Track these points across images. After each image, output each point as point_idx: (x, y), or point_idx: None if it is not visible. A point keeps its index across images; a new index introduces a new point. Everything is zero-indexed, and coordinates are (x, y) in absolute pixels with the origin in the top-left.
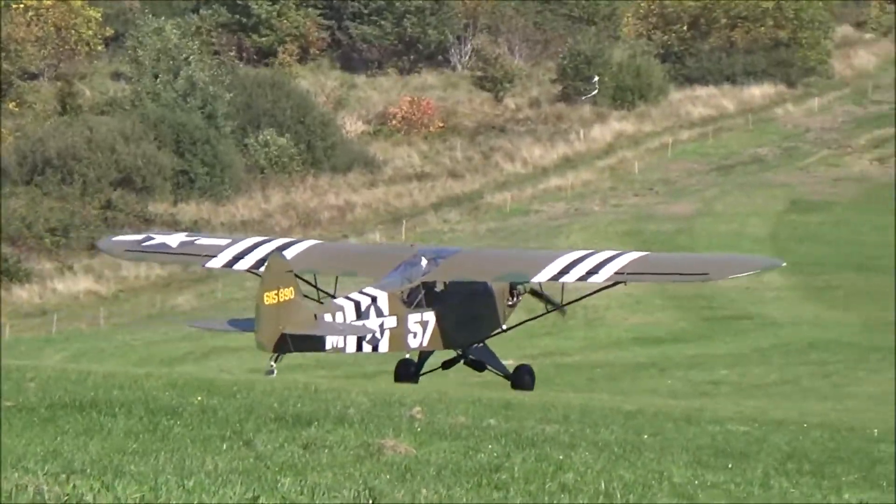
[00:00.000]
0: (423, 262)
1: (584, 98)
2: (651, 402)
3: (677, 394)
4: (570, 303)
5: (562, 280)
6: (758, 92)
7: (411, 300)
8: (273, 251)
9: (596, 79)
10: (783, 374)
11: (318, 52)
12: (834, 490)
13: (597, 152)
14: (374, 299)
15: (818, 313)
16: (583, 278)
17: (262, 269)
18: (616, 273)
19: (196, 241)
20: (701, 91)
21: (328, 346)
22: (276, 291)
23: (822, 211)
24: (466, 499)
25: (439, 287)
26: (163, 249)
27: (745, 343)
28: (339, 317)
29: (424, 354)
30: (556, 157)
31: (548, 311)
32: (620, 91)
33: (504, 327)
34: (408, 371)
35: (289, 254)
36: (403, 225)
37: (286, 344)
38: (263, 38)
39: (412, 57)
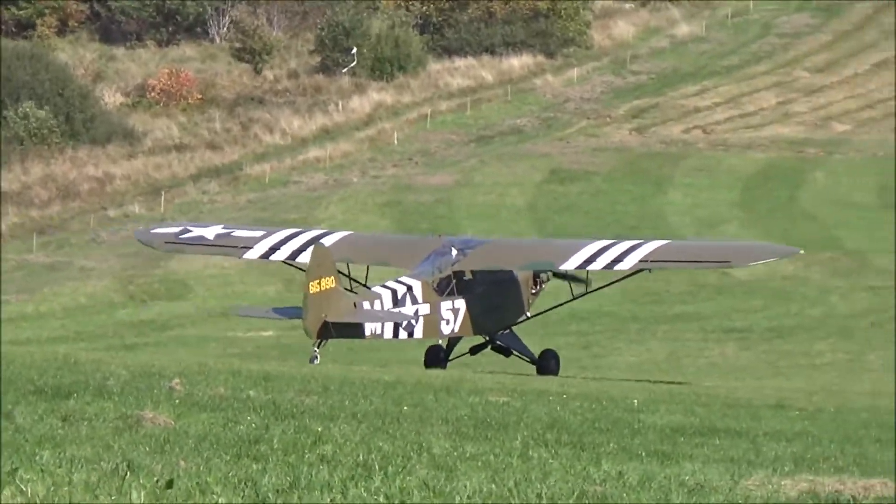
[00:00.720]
0: (454, 252)
1: (342, 69)
2: (411, 372)
3: None
4: (595, 290)
5: (588, 268)
6: (517, 63)
7: (442, 289)
8: (316, 240)
9: (354, 50)
10: (543, 345)
11: (76, 24)
12: (593, 460)
13: (356, 123)
14: (409, 288)
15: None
16: (609, 266)
17: (299, 259)
18: (641, 261)
19: (232, 233)
20: (460, 62)
21: (367, 332)
22: (318, 281)
23: (582, 181)
24: (225, 470)
25: (467, 276)
26: (200, 241)
27: None
28: (376, 304)
29: (453, 341)
30: (315, 129)
31: (574, 298)
32: (379, 62)
33: (529, 314)
34: (437, 357)
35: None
36: (163, 196)
37: (328, 331)
38: (22, 11)
39: (171, 29)
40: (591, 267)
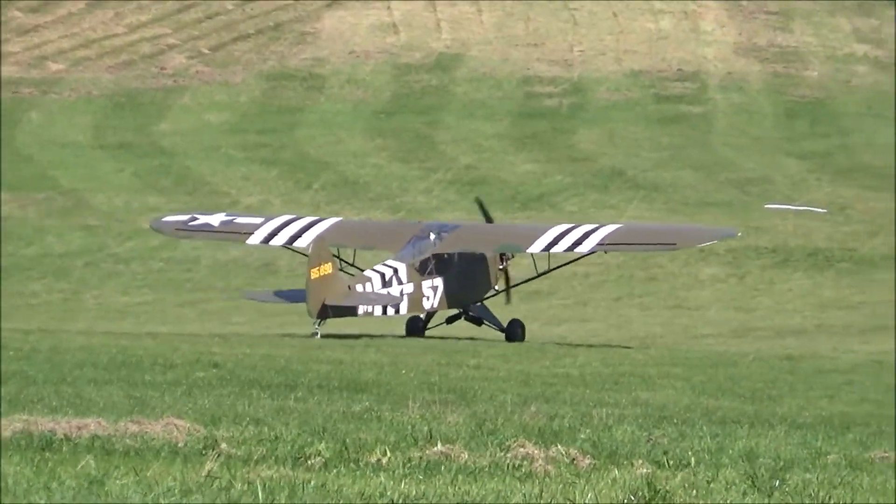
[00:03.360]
0: (432, 236)
1: None
2: None
3: None
4: (554, 269)
5: (552, 251)
6: None
7: (423, 269)
8: (311, 226)
9: None
10: None
11: None
12: None
13: None
14: (395, 270)
15: None
16: (570, 249)
17: (296, 244)
18: (598, 244)
19: (235, 220)
20: None
21: (360, 311)
22: (318, 268)
23: None
24: None
25: (444, 257)
26: (207, 228)
27: None
28: (368, 287)
29: (431, 313)
30: None
31: (538, 275)
32: None
33: (496, 288)
34: (417, 326)
35: (317, 230)
36: None
37: (327, 312)
38: None
39: None
40: (554, 249)
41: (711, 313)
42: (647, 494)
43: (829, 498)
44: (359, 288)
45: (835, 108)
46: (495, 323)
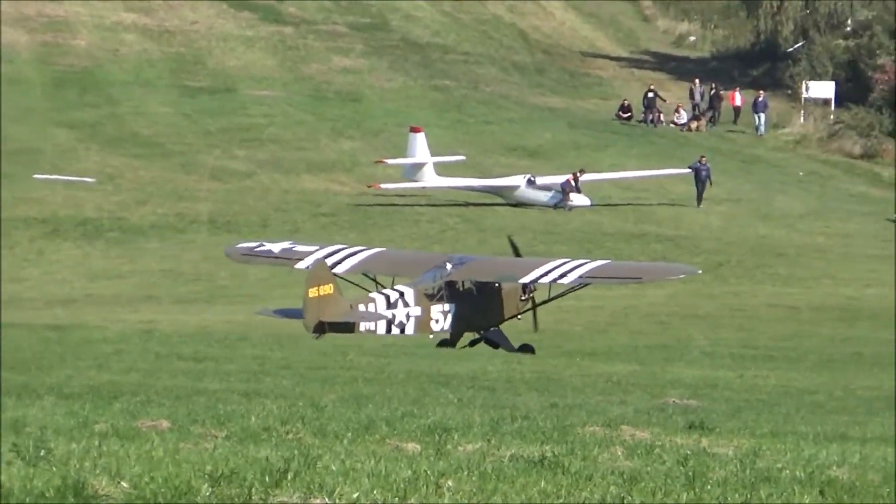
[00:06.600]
0: (449, 266)
1: None
2: None
3: None
4: (544, 302)
5: (540, 281)
6: None
7: (434, 295)
8: (317, 258)
9: None
10: None
11: None
12: None
13: None
14: (401, 294)
15: None
16: (555, 280)
17: (336, 270)
18: (579, 276)
19: (293, 248)
20: None
21: (362, 328)
22: (317, 287)
23: None
24: None
25: (459, 286)
26: (268, 254)
27: None
28: (370, 307)
29: (455, 336)
30: None
31: (549, 300)
32: None
33: (520, 316)
34: (445, 343)
35: (356, 258)
36: None
37: (323, 328)
38: None
39: None
40: (543, 280)
41: None
42: None
43: (95, 467)
44: (361, 307)
45: (103, 78)
46: (509, 346)
